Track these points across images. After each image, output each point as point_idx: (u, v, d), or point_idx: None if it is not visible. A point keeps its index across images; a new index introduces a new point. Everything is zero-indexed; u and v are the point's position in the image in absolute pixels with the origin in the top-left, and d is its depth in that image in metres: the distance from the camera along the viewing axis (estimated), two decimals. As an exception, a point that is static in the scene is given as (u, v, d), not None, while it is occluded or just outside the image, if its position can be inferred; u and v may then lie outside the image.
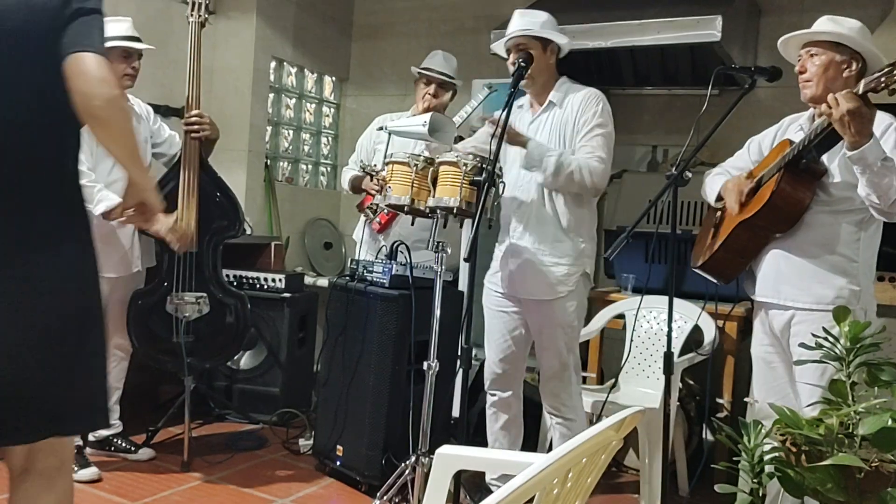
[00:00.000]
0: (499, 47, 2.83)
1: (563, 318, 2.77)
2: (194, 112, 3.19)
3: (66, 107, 1.60)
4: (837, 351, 1.63)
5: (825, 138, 2.17)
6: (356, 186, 3.50)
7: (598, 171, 2.66)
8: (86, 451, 3.11)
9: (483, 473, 3.01)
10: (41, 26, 1.60)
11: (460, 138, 3.08)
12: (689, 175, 2.33)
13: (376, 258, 3.31)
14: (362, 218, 3.60)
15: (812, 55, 2.32)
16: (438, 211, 2.61)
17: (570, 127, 2.73)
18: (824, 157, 2.26)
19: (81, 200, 1.76)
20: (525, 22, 2.74)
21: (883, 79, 1.95)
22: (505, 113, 2.53)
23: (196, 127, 3.17)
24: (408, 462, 2.68)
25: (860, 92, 2.00)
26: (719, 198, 2.55)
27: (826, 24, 2.32)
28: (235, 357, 3.88)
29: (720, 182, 2.56)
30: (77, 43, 1.60)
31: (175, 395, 3.61)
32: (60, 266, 1.64)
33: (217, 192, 3.30)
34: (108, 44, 2.88)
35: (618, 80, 4.04)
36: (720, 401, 3.36)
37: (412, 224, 2.93)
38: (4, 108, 1.61)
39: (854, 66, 2.29)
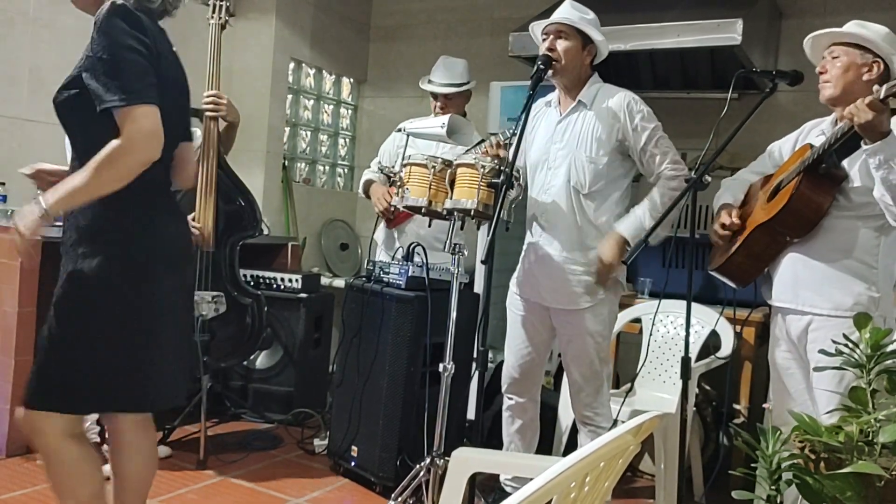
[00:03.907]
0: (538, 27, 2.77)
1: (593, 327, 2.72)
2: (212, 91, 3.15)
3: None
4: (857, 358, 1.62)
5: (846, 143, 2.15)
6: (367, 192, 3.52)
7: (677, 174, 2.64)
8: (103, 448, 3.13)
9: (497, 476, 3.01)
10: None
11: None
12: (709, 179, 2.31)
13: (392, 259, 3.31)
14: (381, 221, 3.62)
15: (834, 57, 2.31)
16: (455, 213, 2.60)
17: (602, 129, 2.68)
18: (845, 162, 2.24)
19: None
20: (574, 15, 2.68)
21: None
22: (524, 116, 2.52)
23: (212, 106, 3.13)
24: (422, 463, 2.67)
25: (881, 97, 1.99)
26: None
27: (851, 27, 2.31)
28: (251, 357, 3.91)
29: (727, 198, 2.57)
30: None
31: (191, 393, 3.63)
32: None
33: (235, 192, 3.31)
34: None
35: (636, 84, 4.00)
36: (737, 406, 3.34)
37: (429, 226, 2.93)
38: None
39: (875, 70, 2.27)
